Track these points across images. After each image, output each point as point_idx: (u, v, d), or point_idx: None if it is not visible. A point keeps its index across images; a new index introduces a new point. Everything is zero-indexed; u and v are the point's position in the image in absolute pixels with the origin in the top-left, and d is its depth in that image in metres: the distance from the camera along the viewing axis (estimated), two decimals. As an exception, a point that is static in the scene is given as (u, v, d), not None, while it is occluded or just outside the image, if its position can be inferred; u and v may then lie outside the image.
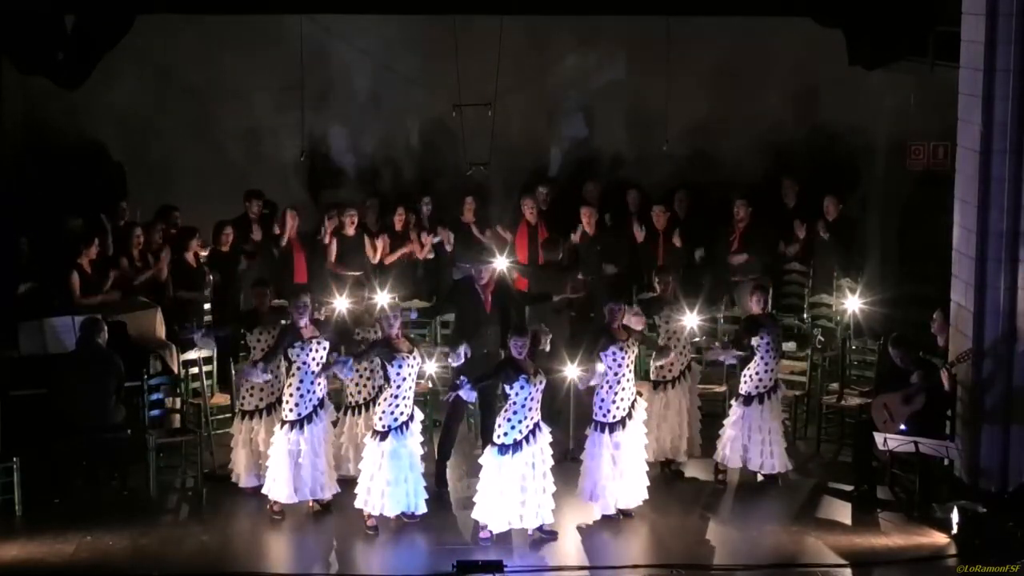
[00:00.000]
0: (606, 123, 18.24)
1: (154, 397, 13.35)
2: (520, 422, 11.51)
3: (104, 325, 12.96)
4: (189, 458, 13.05)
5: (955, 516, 11.73)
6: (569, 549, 11.66)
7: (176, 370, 13.86)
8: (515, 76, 17.45)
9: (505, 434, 11.53)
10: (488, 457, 11.64)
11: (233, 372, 13.54)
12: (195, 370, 13.65)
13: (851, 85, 17.47)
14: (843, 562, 11.49)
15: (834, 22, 16.52)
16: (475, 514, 11.70)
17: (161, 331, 14.54)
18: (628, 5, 16.61)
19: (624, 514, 12.15)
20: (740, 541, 11.91)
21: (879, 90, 17.61)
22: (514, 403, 11.52)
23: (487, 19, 16.84)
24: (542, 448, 11.67)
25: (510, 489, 11.54)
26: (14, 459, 12.21)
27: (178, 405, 13.65)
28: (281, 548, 11.89)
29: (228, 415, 13.69)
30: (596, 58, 18.13)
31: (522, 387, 11.46)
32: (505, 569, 11.15)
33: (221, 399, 13.90)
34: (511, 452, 11.52)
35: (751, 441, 12.85)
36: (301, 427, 12.17)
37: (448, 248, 16.40)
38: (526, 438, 11.52)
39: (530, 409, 11.55)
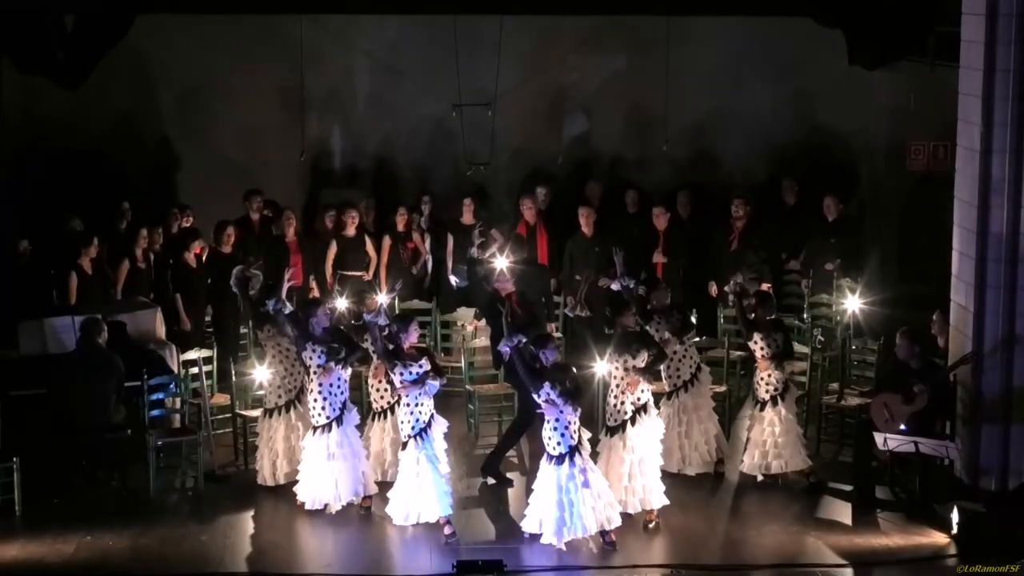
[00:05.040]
0: (606, 123, 18.24)
1: (154, 397, 13.35)
2: (567, 428, 11.39)
3: (104, 325, 12.97)
4: (189, 458, 13.05)
5: (955, 516, 11.74)
6: (569, 549, 11.64)
7: (176, 370, 13.86)
8: (515, 76, 17.47)
9: (557, 443, 11.43)
10: (546, 468, 11.55)
11: (233, 372, 13.56)
12: (195, 370, 13.65)
13: (851, 85, 17.47)
14: (843, 562, 11.49)
15: (834, 22, 16.51)
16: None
17: (161, 331, 14.55)
18: (628, 5, 16.61)
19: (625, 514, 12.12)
20: (740, 541, 11.92)
21: (879, 90, 17.61)
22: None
23: (487, 19, 16.85)
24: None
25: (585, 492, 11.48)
26: (14, 459, 12.21)
27: (178, 405, 13.65)
28: (281, 548, 11.87)
29: (228, 415, 13.71)
30: (596, 58, 18.13)
31: (549, 394, 11.39)
32: (505, 569, 11.14)
33: (221, 399, 13.91)
34: (568, 459, 11.42)
35: (768, 445, 12.87)
36: (339, 425, 12.25)
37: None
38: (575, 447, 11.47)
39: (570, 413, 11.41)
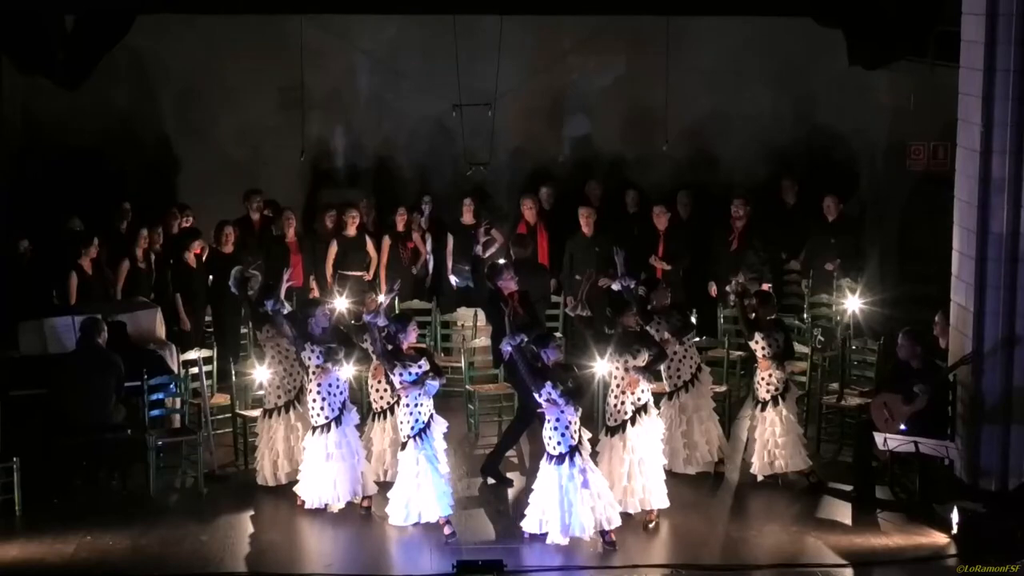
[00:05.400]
0: (606, 123, 18.24)
1: (154, 397, 13.34)
2: (567, 428, 11.42)
3: (104, 325, 12.97)
4: (189, 458, 13.04)
5: (955, 516, 11.73)
6: (569, 549, 11.65)
7: (176, 370, 13.86)
8: (515, 76, 17.47)
9: (558, 443, 11.44)
10: (546, 468, 11.54)
11: (233, 372, 13.55)
12: (195, 370, 13.64)
13: (851, 85, 17.47)
14: (843, 562, 11.49)
15: (834, 22, 16.51)
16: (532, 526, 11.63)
17: (161, 331, 14.54)
18: (628, 5, 16.61)
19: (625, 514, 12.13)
20: (740, 541, 11.92)
21: (879, 90, 17.62)
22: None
23: (487, 19, 16.85)
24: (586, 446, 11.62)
25: (580, 495, 11.46)
26: (14, 459, 12.20)
27: (178, 405, 13.65)
28: (280, 548, 11.87)
29: (228, 415, 13.71)
30: (596, 58, 18.12)
31: (550, 393, 11.41)
32: (505, 569, 11.14)
33: (221, 399, 13.90)
34: (568, 459, 11.43)
35: (770, 444, 12.87)
36: (338, 425, 12.25)
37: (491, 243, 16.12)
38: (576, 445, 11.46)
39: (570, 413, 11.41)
